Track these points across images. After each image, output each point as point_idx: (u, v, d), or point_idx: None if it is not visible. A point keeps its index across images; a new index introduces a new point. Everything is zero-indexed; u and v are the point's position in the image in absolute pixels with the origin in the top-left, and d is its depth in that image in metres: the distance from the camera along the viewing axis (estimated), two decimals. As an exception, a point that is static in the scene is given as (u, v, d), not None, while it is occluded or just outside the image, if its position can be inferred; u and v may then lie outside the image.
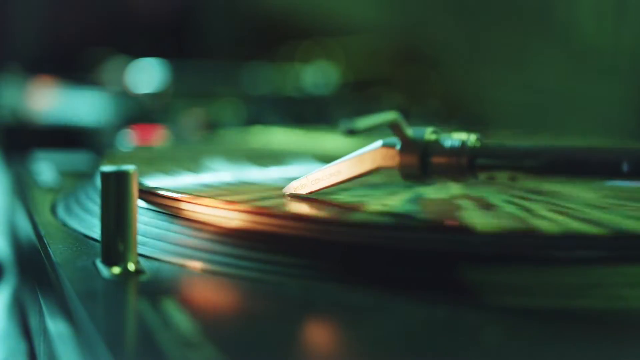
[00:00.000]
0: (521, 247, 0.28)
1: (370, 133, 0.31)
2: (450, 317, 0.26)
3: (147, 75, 0.97)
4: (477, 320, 0.26)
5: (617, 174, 0.28)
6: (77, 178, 0.48)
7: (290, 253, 0.29)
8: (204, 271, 0.30)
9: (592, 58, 1.28)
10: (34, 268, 0.35)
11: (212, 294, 0.28)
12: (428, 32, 1.48)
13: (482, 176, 0.31)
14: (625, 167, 0.27)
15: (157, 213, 0.34)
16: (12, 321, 0.40)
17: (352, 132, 0.28)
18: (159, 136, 0.64)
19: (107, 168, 0.29)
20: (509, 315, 0.26)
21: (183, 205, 0.33)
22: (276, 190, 0.35)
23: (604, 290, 0.27)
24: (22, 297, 0.41)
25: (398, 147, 0.32)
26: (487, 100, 1.38)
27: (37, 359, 0.34)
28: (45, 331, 0.31)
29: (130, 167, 0.30)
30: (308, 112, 0.81)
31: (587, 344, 0.24)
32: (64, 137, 0.77)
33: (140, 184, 0.33)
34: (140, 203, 0.34)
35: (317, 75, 0.97)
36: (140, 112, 0.80)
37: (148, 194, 0.35)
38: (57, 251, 0.32)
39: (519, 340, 0.24)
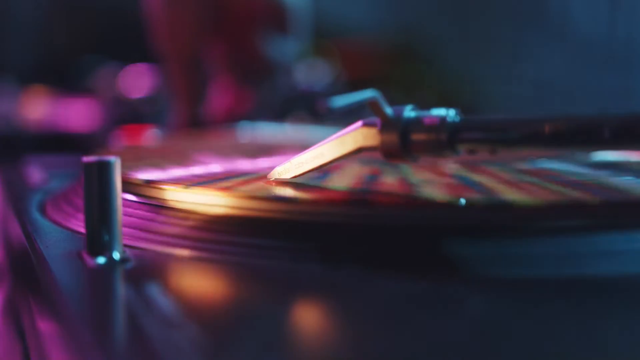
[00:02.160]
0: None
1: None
2: (432, 290, 0.26)
3: (139, 80, 0.97)
4: (458, 292, 0.26)
5: (599, 141, 0.27)
6: (67, 179, 0.48)
7: (274, 236, 0.29)
8: (189, 257, 0.30)
9: (587, 49, 1.28)
10: (24, 267, 0.35)
11: (196, 279, 0.28)
12: (423, 30, 1.48)
13: (463, 151, 0.31)
14: (606, 133, 0.27)
15: (141, 203, 0.34)
16: (6, 322, 0.41)
17: (330, 111, 0.28)
18: (148, 136, 0.64)
19: (89, 158, 0.29)
20: (489, 286, 0.26)
21: (166, 194, 0.33)
22: (261, 177, 0.35)
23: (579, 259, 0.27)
24: (16, 298, 0.41)
25: (379, 126, 0.32)
26: (484, 94, 1.38)
27: (30, 359, 0.34)
28: (35, 329, 0.31)
29: (112, 157, 0.30)
30: (302, 109, 0.81)
31: (569, 311, 0.24)
32: (58, 144, 0.77)
33: (124, 176, 0.33)
34: (126, 194, 0.34)
35: (311, 73, 0.97)
36: (133, 115, 0.80)
37: (131, 185, 0.35)
38: (43, 245, 0.32)
39: (499, 310, 0.24)
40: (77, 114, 0.87)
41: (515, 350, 0.21)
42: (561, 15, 1.31)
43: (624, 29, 1.30)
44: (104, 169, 0.29)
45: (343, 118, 0.36)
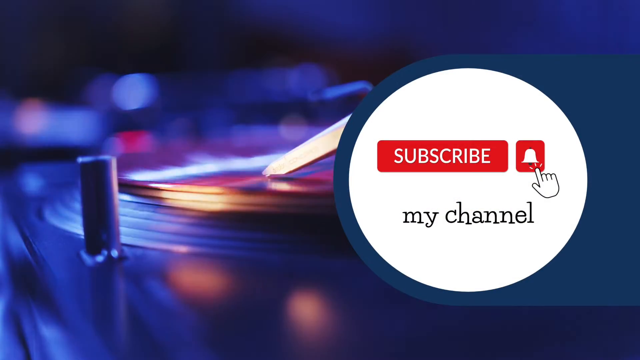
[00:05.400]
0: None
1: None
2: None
3: (134, 91, 0.98)
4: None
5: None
6: (64, 186, 0.49)
7: (268, 229, 0.30)
8: (187, 254, 0.30)
9: (579, 50, 1.28)
10: (24, 270, 0.36)
11: (195, 273, 0.29)
12: (415, 36, 1.49)
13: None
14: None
15: (136, 203, 0.34)
16: (7, 329, 0.41)
17: (321, 102, 0.28)
18: (144, 143, 0.65)
19: (84, 158, 0.30)
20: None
21: (162, 193, 0.33)
22: (255, 174, 0.36)
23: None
24: (17, 305, 0.41)
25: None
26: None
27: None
28: (37, 334, 0.31)
29: (107, 156, 0.30)
30: (295, 115, 0.81)
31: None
32: (55, 156, 0.77)
33: (120, 177, 0.33)
34: (122, 195, 0.35)
35: (303, 79, 0.98)
36: (129, 126, 0.81)
37: (127, 186, 0.35)
38: (42, 247, 0.32)
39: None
40: (73, 126, 0.88)
41: (512, 336, 0.22)
42: (552, 16, 1.32)
43: (615, 30, 1.30)
44: (100, 168, 0.30)
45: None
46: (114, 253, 0.29)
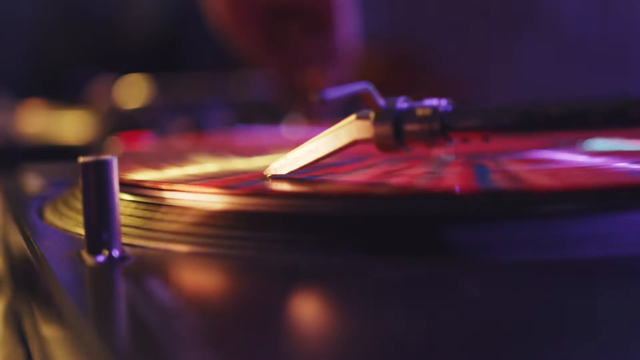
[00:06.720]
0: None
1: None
2: (430, 275, 0.26)
3: (135, 90, 0.98)
4: (455, 276, 0.26)
5: (587, 125, 0.28)
6: (65, 186, 0.49)
7: (268, 229, 0.30)
8: (187, 253, 0.30)
9: (580, 48, 1.28)
10: (24, 269, 0.36)
11: (196, 273, 0.29)
12: (417, 37, 1.48)
13: (456, 139, 0.31)
14: (594, 118, 0.27)
15: (137, 202, 0.34)
16: (8, 328, 0.41)
17: (322, 102, 0.28)
18: (145, 142, 0.65)
19: (86, 158, 0.30)
20: (487, 270, 0.27)
21: (163, 193, 0.33)
22: (257, 174, 0.36)
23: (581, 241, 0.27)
24: (17, 305, 0.41)
25: (372, 118, 0.32)
26: (479, 97, 1.38)
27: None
28: (38, 333, 0.31)
29: (108, 156, 0.30)
30: (296, 115, 0.81)
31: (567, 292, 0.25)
32: (55, 155, 0.77)
33: (121, 177, 0.33)
34: (123, 195, 0.35)
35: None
36: (129, 126, 0.81)
37: (128, 185, 0.35)
38: (43, 247, 0.32)
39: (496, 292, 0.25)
40: (73, 126, 0.88)
41: (510, 334, 0.22)
42: (554, 17, 1.32)
43: (616, 27, 1.30)
44: (101, 168, 0.30)
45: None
46: (115, 253, 0.29)
